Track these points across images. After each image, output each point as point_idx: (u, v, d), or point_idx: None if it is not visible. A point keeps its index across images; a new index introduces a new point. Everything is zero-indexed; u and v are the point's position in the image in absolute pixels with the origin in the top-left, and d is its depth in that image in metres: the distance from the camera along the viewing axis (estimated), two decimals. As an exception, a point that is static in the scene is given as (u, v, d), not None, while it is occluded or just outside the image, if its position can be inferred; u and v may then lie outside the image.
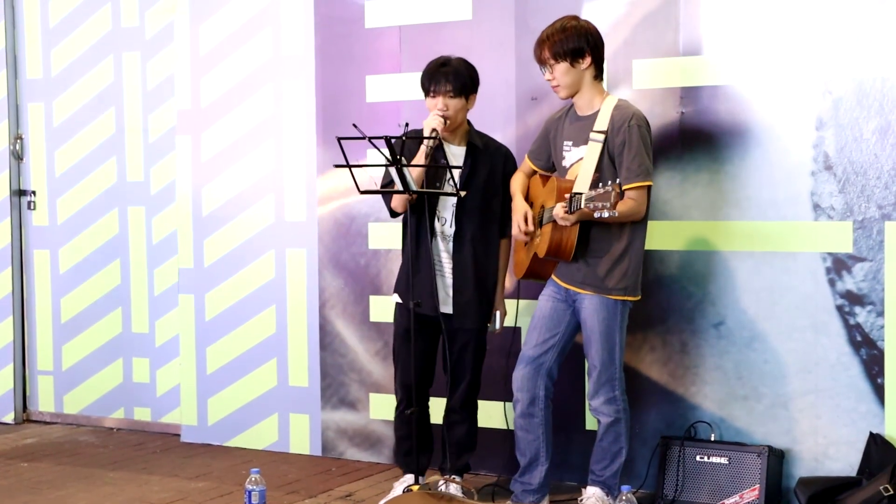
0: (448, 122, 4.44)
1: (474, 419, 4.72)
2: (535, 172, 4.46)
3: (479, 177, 4.53)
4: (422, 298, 4.45)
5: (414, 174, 4.37)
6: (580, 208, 3.96)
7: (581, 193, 3.98)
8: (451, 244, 4.54)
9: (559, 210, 4.06)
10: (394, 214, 4.62)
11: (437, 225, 4.56)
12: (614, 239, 4.19)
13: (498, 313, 4.65)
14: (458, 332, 4.58)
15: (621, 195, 3.96)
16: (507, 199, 4.55)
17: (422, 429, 4.58)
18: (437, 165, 4.46)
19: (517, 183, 4.48)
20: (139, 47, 6.02)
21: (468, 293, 4.55)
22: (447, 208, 4.54)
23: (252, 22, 5.53)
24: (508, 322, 4.88)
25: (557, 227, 4.14)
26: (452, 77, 4.45)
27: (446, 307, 4.54)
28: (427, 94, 4.50)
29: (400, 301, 4.62)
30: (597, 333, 4.22)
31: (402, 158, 4.25)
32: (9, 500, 4.79)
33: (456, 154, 4.54)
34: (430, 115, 4.45)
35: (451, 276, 4.55)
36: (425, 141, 4.35)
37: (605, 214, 3.88)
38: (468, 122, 4.61)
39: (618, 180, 3.94)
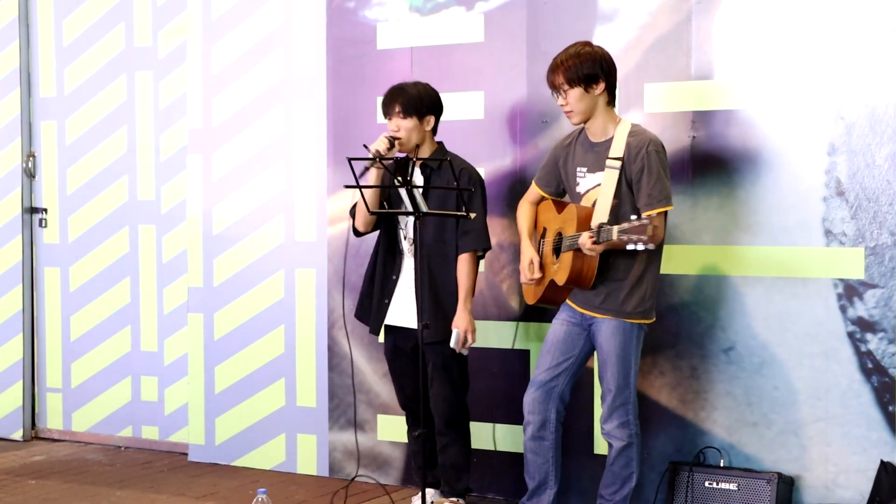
0: (399, 142, 4.53)
1: (465, 438, 4.71)
2: (541, 199, 4.45)
3: (434, 194, 4.57)
4: (376, 314, 4.69)
5: (372, 196, 4.51)
6: (610, 239, 3.94)
7: (610, 226, 3.95)
8: (413, 261, 4.57)
9: (586, 241, 4.02)
10: (357, 234, 4.74)
11: (405, 244, 4.63)
12: (633, 264, 4.17)
13: (455, 331, 4.53)
14: (426, 349, 4.56)
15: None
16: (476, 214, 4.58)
17: (430, 447, 4.67)
18: (446, 188, 4.49)
19: (524, 219, 4.46)
20: (152, 67, 6.05)
21: (428, 308, 4.55)
22: (408, 227, 4.60)
23: (264, 42, 5.55)
24: (516, 345, 4.87)
25: (579, 256, 4.11)
26: (401, 98, 4.57)
27: (411, 322, 4.58)
28: (384, 117, 4.63)
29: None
30: (613, 357, 4.20)
31: (412, 180, 4.30)
32: (15, 519, 4.80)
33: (417, 174, 4.60)
34: (378, 138, 4.55)
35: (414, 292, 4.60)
36: (376, 162, 4.43)
37: (641, 247, 3.86)
38: (441, 143, 4.67)
39: (650, 213, 3.94)
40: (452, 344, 4.53)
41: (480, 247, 4.60)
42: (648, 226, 3.84)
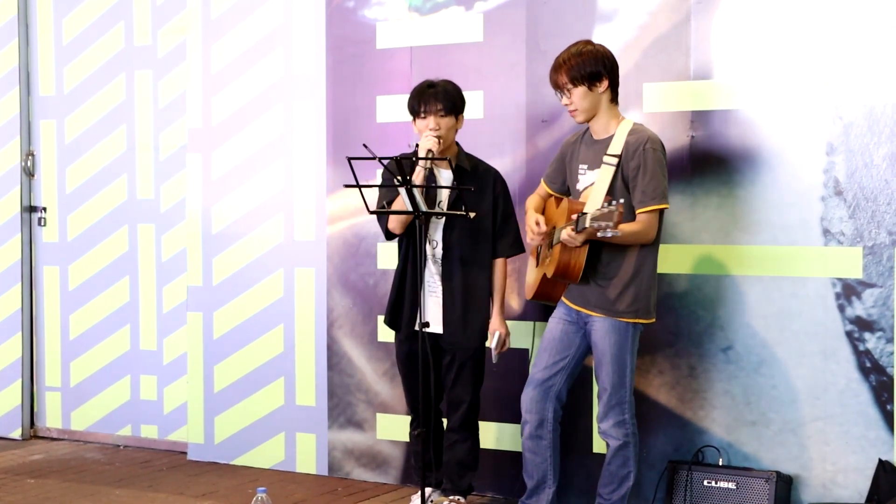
0: (441, 141, 4.46)
1: (475, 438, 4.72)
2: (550, 196, 4.46)
3: (467, 198, 4.54)
4: (409, 319, 4.57)
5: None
6: (585, 227, 3.96)
7: (587, 213, 3.98)
8: (440, 266, 4.55)
9: (567, 229, 4.06)
10: (390, 237, 4.66)
11: (429, 248, 4.58)
12: (625, 261, 4.18)
13: (497, 333, 4.63)
14: (452, 352, 4.58)
15: (630, 214, 4.01)
16: (502, 220, 4.61)
17: (433, 446, 4.66)
18: (448, 187, 4.48)
19: (532, 202, 4.49)
20: (151, 66, 6.05)
21: (457, 312, 4.56)
22: (437, 231, 4.56)
23: (264, 41, 5.56)
24: (516, 343, 4.87)
25: (566, 249, 4.14)
26: (442, 97, 4.50)
27: (438, 327, 4.56)
28: (417, 116, 4.55)
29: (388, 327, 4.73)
30: (608, 356, 4.21)
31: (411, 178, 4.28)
32: (15, 517, 4.80)
33: (444, 177, 4.57)
34: (424, 136, 4.47)
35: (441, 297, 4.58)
36: (420, 162, 4.37)
37: (609, 234, 3.88)
38: (458, 144, 4.64)
39: (621, 199, 3.93)
40: (494, 345, 4.61)
41: (520, 251, 4.67)
42: (615, 211, 3.86)
